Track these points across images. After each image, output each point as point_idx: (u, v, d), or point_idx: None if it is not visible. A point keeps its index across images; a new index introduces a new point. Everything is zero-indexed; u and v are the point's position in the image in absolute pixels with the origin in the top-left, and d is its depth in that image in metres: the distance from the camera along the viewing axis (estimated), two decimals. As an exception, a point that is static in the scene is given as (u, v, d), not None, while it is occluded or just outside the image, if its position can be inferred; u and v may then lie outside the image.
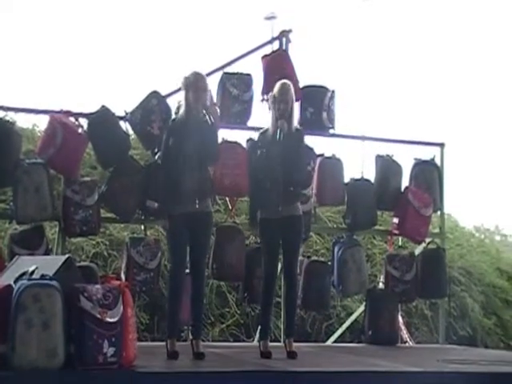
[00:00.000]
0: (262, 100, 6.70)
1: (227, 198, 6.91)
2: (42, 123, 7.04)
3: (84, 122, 6.22)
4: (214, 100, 6.69)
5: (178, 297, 5.31)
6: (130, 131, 6.50)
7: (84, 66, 12.04)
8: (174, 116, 5.44)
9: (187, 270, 5.52)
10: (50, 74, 11.72)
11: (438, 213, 7.62)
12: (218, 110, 6.60)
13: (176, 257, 5.32)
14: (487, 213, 13.08)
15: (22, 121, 7.66)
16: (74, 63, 12.03)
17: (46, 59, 12.14)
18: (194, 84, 5.32)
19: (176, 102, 5.57)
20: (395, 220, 7.28)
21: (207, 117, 5.33)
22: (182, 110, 5.40)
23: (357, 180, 7.11)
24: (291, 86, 5.63)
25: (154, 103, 6.33)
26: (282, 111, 5.54)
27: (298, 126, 5.90)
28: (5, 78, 11.32)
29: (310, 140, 6.89)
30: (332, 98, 7.13)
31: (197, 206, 5.28)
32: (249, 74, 6.87)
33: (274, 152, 5.49)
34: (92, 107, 6.28)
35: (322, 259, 7.28)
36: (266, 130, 5.65)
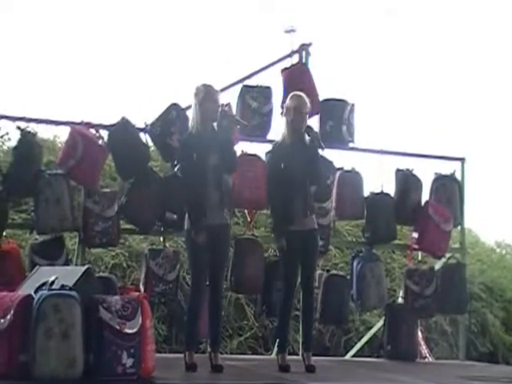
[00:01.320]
0: (282, 113, 6.70)
1: (246, 211, 6.91)
2: (62, 134, 7.09)
3: (104, 133, 6.25)
4: (234, 113, 6.70)
5: (197, 309, 5.30)
6: (150, 143, 6.52)
7: (106, 78, 12.13)
8: (191, 129, 5.43)
9: (206, 283, 5.52)
10: (71, 86, 11.81)
11: (459, 228, 7.57)
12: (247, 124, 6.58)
13: (198, 270, 5.31)
14: (508, 228, 12.95)
15: (43, 132, 7.73)
16: (96, 74, 12.12)
17: (69, 71, 12.24)
18: (207, 95, 5.33)
19: (191, 114, 5.57)
20: (415, 234, 7.24)
21: (226, 127, 5.33)
22: (195, 122, 5.38)
23: (376, 194, 7.09)
24: (307, 98, 5.63)
25: (174, 115, 6.36)
26: (297, 122, 5.53)
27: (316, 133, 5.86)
28: (26, 88, 11.42)
29: (329, 153, 6.91)
30: (352, 111, 7.12)
31: (223, 217, 5.28)
32: (268, 87, 6.88)
33: (296, 164, 5.48)
34: (112, 119, 6.32)
35: (341, 273, 7.23)
36: (282, 142, 5.64)
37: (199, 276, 5.31)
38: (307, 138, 5.53)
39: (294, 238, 5.48)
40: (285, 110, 5.68)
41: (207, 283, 5.39)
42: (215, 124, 5.39)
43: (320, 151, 5.66)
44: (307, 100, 5.64)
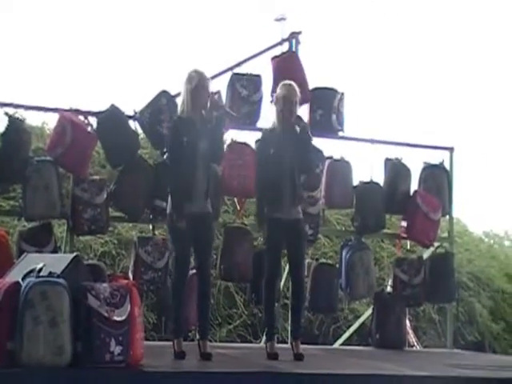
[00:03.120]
0: (271, 101, 6.68)
1: (235, 199, 6.90)
2: (51, 121, 7.05)
3: (93, 120, 6.23)
4: (224, 101, 6.68)
5: (181, 294, 5.29)
6: (139, 130, 6.50)
7: (94, 65, 12.06)
8: (180, 114, 5.39)
9: (194, 271, 5.51)
10: (59, 73, 11.74)
11: (447, 217, 7.60)
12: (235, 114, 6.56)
13: (180, 254, 5.30)
14: (496, 218, 13.01)
15: (32, 118, 7.68)
16: (83, 61, 12.05)
17: (55, 57, 12.17)
18: (198, 82, 5.29)
19: (180, 100, 5.53)
20: (404, 223, 7.26)
21: (212, 114, 5.30)
22: (185, 108, 5.35)
23: (366, 183, 7.10)
24: (296, 87, 5.61)
25: (164, 102, 6.34)
26: (287, 111, 5.52)
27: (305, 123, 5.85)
28: (14, 75, 11.35)
29: (318, 142, 6.90)
30: (341, 100, 7.11)
31: (206, 206, 5.27)
32: (258, 75, 6.86)
33: (286, 152, 5.47)
34: (101, 106, 6.29)
35: (330, 262, 7.26)
36: (272, 129, 5.62)
37: (181, 260, 5.27)
38: (297, 127, 5.52)
39: (279, 226, 5.47)
40: (275, 99, 5.66)
41: (194, 271, 5.38)
42: (203, 112, 5.34)
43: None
44: (297, 89, 5.62)
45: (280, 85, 5.69)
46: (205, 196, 5.28)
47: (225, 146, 6.17)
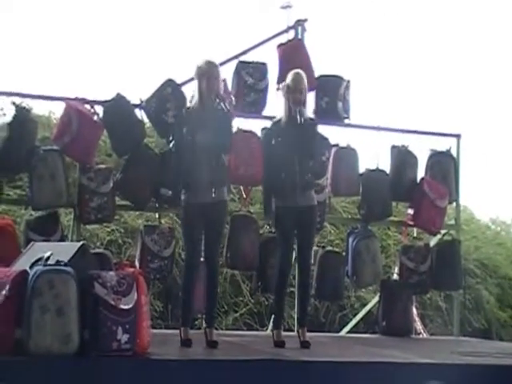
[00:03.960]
0: (278, 89, 6.67)
1: (242, 187, 6.90)
2: (57, 110, 7.06)
3: (99, 109, 6.23)
4: (230, 89, 6.68)
5: (192, 286, 5.32)
6: (145, 119, 6.50)
7: (100, 54, 12.05)
8: (188, 105, 5.41)
9: (201, 259, 5.53)
10: (65, 62, 11.74)
11: (454, 204, 7.59)
12: (234, 99, 6.59)
13: (191, 246, 5.32)
14: (503, 205, 12.97)
15: (38, 108, 7.69)
16: (89, 50, 12.03)
17: (61, 46, 12.16)
18: (207, 72, 5.28)
19: (191, 91, 5.54)
20: (410, 211, 7.25)
21: (221, 105, 5.30)
22: (195, 99, 5.37)
23: (372, 170, 7.09)
24: (304, 76, 5.61)
25: (169, 91, 6.33)
26: (295, 100, 5.51)
27: (312, 116, 5.87)
28: (20, 65, 11.35)
29: (324, 130, 6.89)
30: (347, 87, 7.09)
31: (213, 196, 5.27)
32: (264, 63, 6.85)
33: (289, 141, 5.47)
34: (107, 95, 6.29)
35: (337, 250, 7.26)
36: (280, 120, 5.63)
37: (192, 251, 5.30)
38: (299, 116, 5.51)
39: (287, 214, 5.47)
40: (282, 88, 5.65)
41: (201, 259, 5.40)
42: (216, 101, 5.33)
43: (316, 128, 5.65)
44: (305, 77, 5.61)
45: (289, 73, 5.68)
46: (210, 186, 5.27)
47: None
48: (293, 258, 5.71)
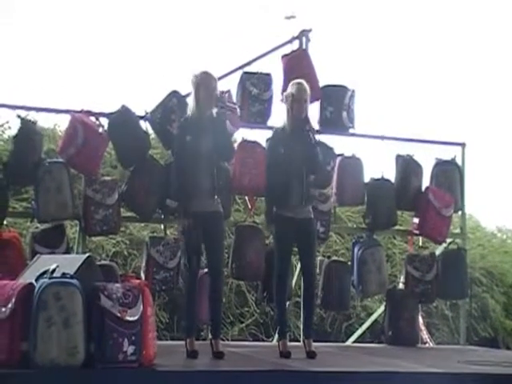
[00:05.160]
0: (282, 99, 6.68)
1: (247, 198, 6.91)
2: (63, 123, 7.08)
3: (104, 121, 6.25)
4: (234, 99, 6.70)
5: (194, 296, 5.32)
6: (150, 131, 6.52)
7: (105, 66, 12.09)
8: (188, 114, 5.44)
9: (206, 270, 5.52)
10: (70, 74, 11.78)
11: (459, 213, 7.57)
12: (238, 110, 6.61)
13: (190, 255, 5.32)
14: (509, 213, 12.94)
15: (44, 120, 7.71)
16: (94, 63, 12.08)
17: (67, 59, 12.21)
18: (204, 81, 5.32)
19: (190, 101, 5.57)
20: (415, 220, 7.24)
21: (221, 111, 5.32)
22: (192, 109, 5.39)
23: (377, 180, 7.09)
24: (307, 86, 5.62)
25: (174, 102, 6.35)
26: (298, 111, 5.53)
27: (311, 126, 5.88)
28: (25, 78, 11.39)
29: (329, 139, 6.91)
30: (352, 97, 7.10)
31: (214, 205, 5.28)
32: (268, 74, 6.87)
33: (295, 151, 5.48)
34: (112, 107, 6.31)
35: (342, 259, 7.26)
36: (283, 128, 5.64)
37: (193, 261, 5.31)
38: (309, 133, 5.52)
39: (287, 225, 5.49)
40: (285, 98, 5.67)
41: (206, 270, 5.40)
42: (214, 111, 5.37)
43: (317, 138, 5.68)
44: (307, 87, 5.62)
45: (290, 83, 5.70)
46: (210, 195, 5.29)
47: (235, 145, 6.21)
48: (292, 268, 5.71)
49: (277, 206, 5.55)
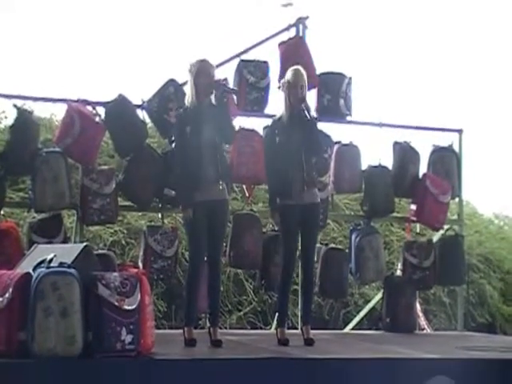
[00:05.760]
0: (279, 87, 6.67)
1: (244, 186, 6.91)
2: (59, 112, 7.07)
3: (101, 110, 6.23)
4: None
5: (196, 285, 5.33)
6: (147, 119, 6.51)
7: (101, 55, 12.06)
8: (187, 103, 5.42)
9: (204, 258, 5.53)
10: (66, 63, 11.75)
11: (457, 199, 7.58)
12: (235, 98, 6.59)
13: (195, 245, 5.33)
14: (506, 199, 12.97)
15: (40, 110, 7.66)
16: (90, 52, 12.04)
17: (62, 48, 12.18)
18: (203, 70, 5.31)
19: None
20: (413, 207, 7.25)
21: (220, 97, 5.31)
22: (191, 98, 5.38)
23: (374, 167, 7.08)
24: (304, 72, 5.61)
25: (171, 91, 6.34)
26: (296, 96, 5.52)
27: (312, 114, 5.86)
28: (22, 67, 11.37)
29: (327, 127, 6.90)
30: (349, 84, 7.09)
31: (220, 188, 5.28)
32: (265, 62, 6.85)
33: (294, 138, 5.47)
34: (109, 96, 6.30)
35: (340, 247, 7.26)
36: (281, 117, 5.63)
37: (196, 251, 5.32)
38: (305, 112, 5.51)
39: (291, 212, 5.48)
40: (282, 85, 5.66)
41: (205, 259, 5.41)
42: (212, 98, 5.36)
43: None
44: (304, 72, 5.61)
45: (288, 70, 5.69)
46: (215, 182, 5.28)
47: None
48: (297, 256, 5.71)
49: (279, 195, 5.55)
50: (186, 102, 5.47)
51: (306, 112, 5.48)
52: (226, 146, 5.99)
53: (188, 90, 5.43)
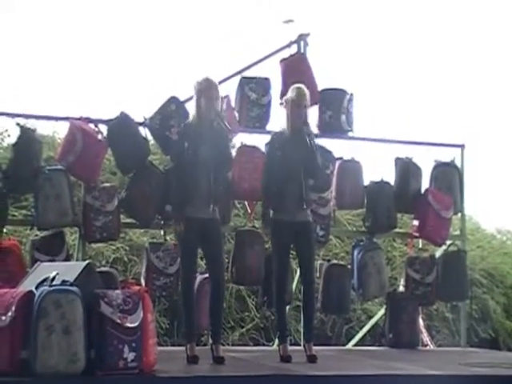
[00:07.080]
0: (281, 104, 6.69)
1: (246, 202, 6.92)
2: (62, 130, 7.10)
3: (103, 128, 6.26)
4: (233, 104, 6.72)
5: (192, 301, 5.32)
6: (149, 137, 6.53)
7: (103, 73, 12.11)
8: (189, 120, 5.46)
9: (206, 275, 5.52)
10: (69, 82, 11.80)
11: (459, 215, 7.57)
12: (237, 115, 6.63)
13: (186, 261, 5.34)
14: (509, 214, 12.96)
15: (43, 128, 7.72)
16: (93, 70, 12.10)
17: (65, 66, 12.23)
18: (206, 90, 5.33)
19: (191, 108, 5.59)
20: (415, 222, 7.25)
21: (221, 124, 5.34)
22: (193, 116, 5.41)
23: (376, 183, 7.09)
24: (307, 91, 5.63)
25: (173, 108, 6.36)
26: (298, 117, 5.54)
27: (311, 131, 5.88)
28: (24, 85, 11.42)
29: (328, 143, 6.92)
30: (351, 100, 7.11)
31: (210, 212, 5.30)
32: (267, 78, 6.88)
33: (293, 156, 5.49)
34: (111, 113, 6.33)
35: (342, 262, 7.26)
36: (282, 132, 5.65)
37: (189, 266, 5.32)
38: (306, 137, 5.53)
39: (284, 228, 5.49)
40: (284, 103, 5.68)
41: (206, 275, 5.41)
42: (214, 118, 5.37)
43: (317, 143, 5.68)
44: (307, 92, 5.63)
45: (291, 88, 5.71)
46: (208, 202, 5.30)
47: (233, 151, 6.22)
48: (292, 272, 5.71)
49: (273, 209, 5.56)
50: (189, 117, 5.51)
51: (307, 137, 5.50)
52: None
53: (192, 106, 5.46)
